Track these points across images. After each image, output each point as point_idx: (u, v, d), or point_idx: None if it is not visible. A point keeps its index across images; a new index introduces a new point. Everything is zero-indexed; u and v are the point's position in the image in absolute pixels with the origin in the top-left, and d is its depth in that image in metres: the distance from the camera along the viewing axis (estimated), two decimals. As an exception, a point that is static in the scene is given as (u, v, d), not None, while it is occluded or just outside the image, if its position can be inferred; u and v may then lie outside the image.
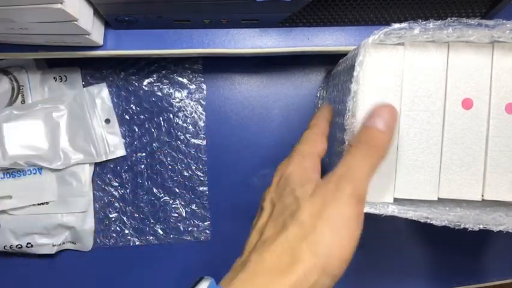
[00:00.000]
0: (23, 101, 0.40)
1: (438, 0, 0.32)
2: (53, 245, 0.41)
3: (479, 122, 0.28)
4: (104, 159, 0.41)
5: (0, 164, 0.38)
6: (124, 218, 0.42)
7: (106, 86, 0.41)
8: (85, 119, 0.40)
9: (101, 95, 0.41)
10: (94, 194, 0.41)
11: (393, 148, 0.28)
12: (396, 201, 0.29)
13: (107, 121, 0.41)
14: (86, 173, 0.41)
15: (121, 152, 0.41)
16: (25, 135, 0.39)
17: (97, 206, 0.42)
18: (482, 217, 0.28)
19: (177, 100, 0.41)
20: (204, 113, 0.41)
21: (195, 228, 0.42)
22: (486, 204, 0.30)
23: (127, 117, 0.41)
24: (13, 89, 0.40)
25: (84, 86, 0.41)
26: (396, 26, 0.26)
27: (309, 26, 0.35)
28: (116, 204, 0.42)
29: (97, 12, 0.33)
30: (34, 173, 0.40)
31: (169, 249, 0.42)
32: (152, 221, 0.42)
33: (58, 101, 0.40)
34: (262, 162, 0.42)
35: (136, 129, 0.41)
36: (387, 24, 0.35)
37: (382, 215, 0.27)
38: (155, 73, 0.41)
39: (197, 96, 0.41)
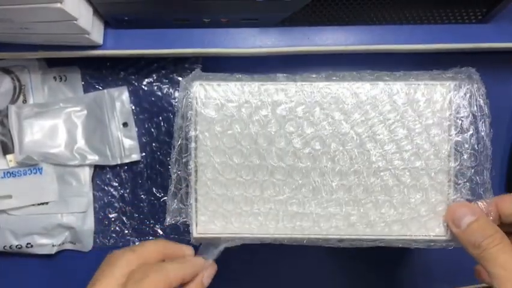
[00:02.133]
0: (24, 101, 0.40)
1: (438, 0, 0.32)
2: (53, 245, 0.41)
3: None
4: (119, 163, 0.40)
5: (16, 159, 0.39)
6: (124, 218, 0.42)
7: (126, 89, 0.41)
8: (103, 121, 0.40)
9: (121, 98, 0.41)
10: (93, 194, 0.41)
11: None
12: None
13: (125, 125, 0.41)
14: (86, 173, 0.41)
15: (136, 156, 0.41)
16: (44, 133, 0.40)
17: (97, 206, 0.42)
18: None
19: (177, 100, 0.41)
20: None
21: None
22: None
23: (127, 117, 0.41)
24: (15, 88, 0.40)
25: (83, 86, 0.41)
26: None
27: (309, 25, 0.35)
28: (116, 205, 0.42)
29: (96, 12, 0.33)
30: (34, 173, 0.40)
31: (168, 249, 0.42)
32: (152, 221, 0.42)
33: (78, 101, 0.41)
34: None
35: (136, 129, 0.41)
36: (387, 24, 0.35)
37: None
38: (155, 73, 0.41)
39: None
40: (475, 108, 0.30)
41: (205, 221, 0.31)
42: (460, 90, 0.30)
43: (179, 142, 0.31)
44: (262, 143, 0.30)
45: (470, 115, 0.30)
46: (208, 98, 0.31)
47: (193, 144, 0.31)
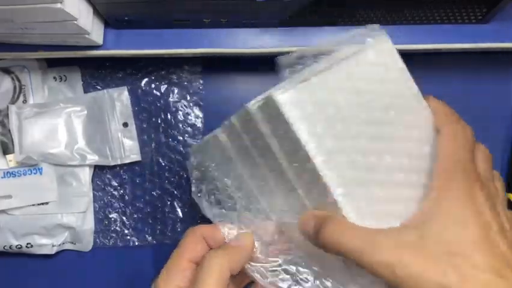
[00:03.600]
0: (24, 101, 0.40)
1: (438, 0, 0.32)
2: (53, 246, 0.41)
3: None
4: (119, 163, 0.40)
5: (16, 159, 0.39)
6: (124, 218, 0.42)
7: (126, 89, 0.41)
8: (103, 121, 0.40)
9: (121, 98, 0.41)
10: (93, 194, 0.41)
11: None
12: None
13: (125, 125, 0.41)
14: (86, 173, 0.41)
15: (136, 156, 0.41)
16: (44, 133, 0.40)
17: (97, 206, 0.42)
18: None
19: (175, 100, 0.41)
20: (201, 113, 0.41)
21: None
22: None
23: (126, 117, 0.41)
24: (15, 88, 0.40)
25: (83, 86, 0.41)
26: None
27: (309, 26, 0.35)
28: (116, 205, 0.42)
29: (96, 12, 0.33)
30: (34, 173, 0.40)
31: (168, 249, 0.42)
32: (151, 221, 0.42)
33: (78, 101, 0.41)
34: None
35: (135, 129, 0.41)
36: (387, 24, 0.35)
37: None
38: (154, 73, 0.41)
39: (195, 96, 0.41)
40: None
41: None
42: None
43: None
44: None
45: None
46: None
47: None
